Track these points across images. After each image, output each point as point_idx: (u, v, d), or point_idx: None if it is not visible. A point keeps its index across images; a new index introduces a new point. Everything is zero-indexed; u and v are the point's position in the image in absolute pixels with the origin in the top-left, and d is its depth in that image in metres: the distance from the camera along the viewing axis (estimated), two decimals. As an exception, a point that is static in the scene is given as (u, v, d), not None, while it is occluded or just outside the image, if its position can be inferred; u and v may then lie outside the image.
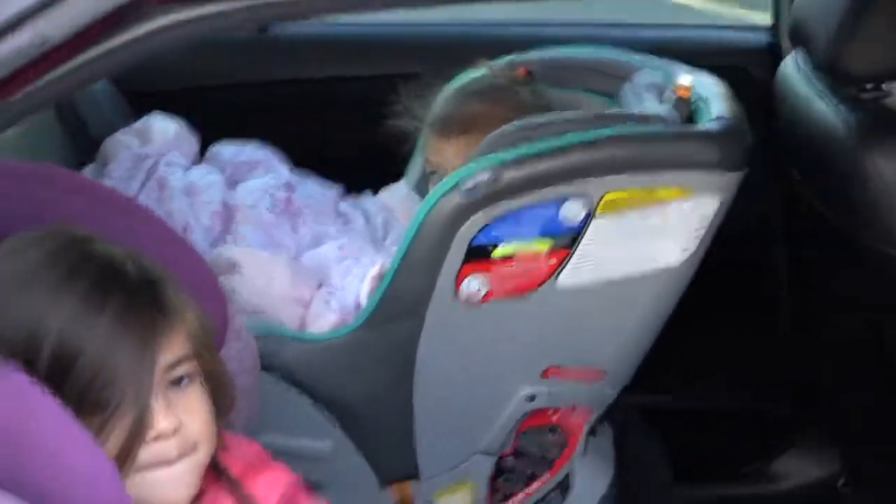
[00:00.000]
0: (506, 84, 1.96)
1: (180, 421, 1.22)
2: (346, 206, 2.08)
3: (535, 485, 1.96)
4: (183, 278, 1.27)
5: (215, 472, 1.34)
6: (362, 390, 1.80)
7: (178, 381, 1.23)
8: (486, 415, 1.85)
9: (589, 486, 2.02)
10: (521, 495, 1.96)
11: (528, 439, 1.91)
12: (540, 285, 1.73)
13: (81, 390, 1.15)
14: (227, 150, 2.15)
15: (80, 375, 1.15)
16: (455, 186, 1.68)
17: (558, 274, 1.73)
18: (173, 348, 1.22)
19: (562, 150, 1.69)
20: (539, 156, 1.69)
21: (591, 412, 1.92)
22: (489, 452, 1.90)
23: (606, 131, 1.71)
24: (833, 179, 1.87)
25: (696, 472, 2.30)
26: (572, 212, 1.70)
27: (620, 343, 1.83)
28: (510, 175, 1.68)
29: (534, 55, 2.07)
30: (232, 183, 2.06)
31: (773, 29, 2.45)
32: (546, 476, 1.96)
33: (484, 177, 1.67)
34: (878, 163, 1.73)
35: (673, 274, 1.77)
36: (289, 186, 2.02)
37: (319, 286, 1.86)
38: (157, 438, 1.20)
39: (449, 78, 2.02)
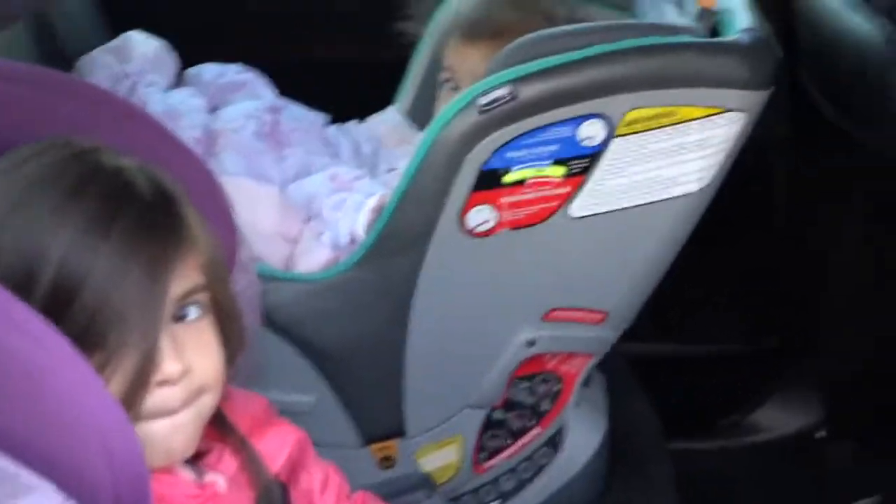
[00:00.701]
0: None
1: (189, 363, 1.03)
2: (333, 132, 1.90)
3: (524, 439, 1.81)
4: (191, 194, 1.07)
5: (221, 427, 1.15)
6: (353, 336, 1.62)
7: (184, 317, 1.04)
8: (483, 362, 1.69)
9: (582, 440, 1.87)
10: (509, 451, 1.81)
11: (520, 389, 1.75)
12: (552, 214, 1.56)
13: (83, 324, 0.96)
14: (208, 71, 1.96)
15: (83, 307, 0.96)
16: (470, 103, 1.49)
17: (572, 202, 1.55)
18: (188, 275, 1.03)
19: (585, 63, 1.50)
20: (561, 68, 1.50)
21: (589, 358, 1.77)
22: (480, 405, 1.74)
23: (633, 43, 1.53)
24: (860, 91, 1.76)
25: (672, 426, 2.14)
26: (591, 132, 1.52)
27: (628, 279, 1.67)
28: (530, 90, 1.49)
29: None
30: (213, 108, 1.88)
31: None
32: (537, 430, 1.81)
33: (501, 92, 1.49)
34: None
35: (690, 201, 1.61)
36: (274, 110, 1.84)
37: (308, 220, 1.66)
38: (161, 384, 1.01)
39: None
